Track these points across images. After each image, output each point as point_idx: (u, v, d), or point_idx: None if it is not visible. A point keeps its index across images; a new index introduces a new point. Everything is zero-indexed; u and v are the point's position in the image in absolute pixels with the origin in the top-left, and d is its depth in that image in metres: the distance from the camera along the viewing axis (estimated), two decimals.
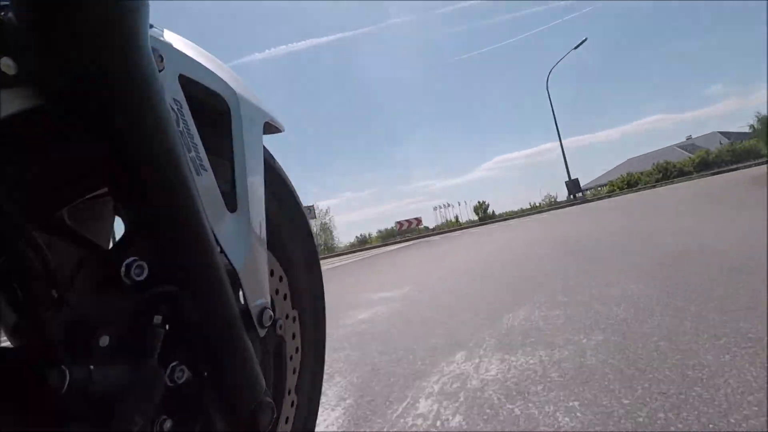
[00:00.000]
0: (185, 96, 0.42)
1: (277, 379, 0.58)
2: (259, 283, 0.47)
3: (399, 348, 1.59)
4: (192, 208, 0.37)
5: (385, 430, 0.96)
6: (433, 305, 2.28)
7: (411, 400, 1.09)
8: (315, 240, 0.69)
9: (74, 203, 0.37)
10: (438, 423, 0.93)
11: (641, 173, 22.24)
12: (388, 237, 24.44)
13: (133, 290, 0.35)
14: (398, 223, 25.28)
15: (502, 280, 2.65)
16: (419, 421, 0.96)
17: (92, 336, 0.33)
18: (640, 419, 0.79)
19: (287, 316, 0.61)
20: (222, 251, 0.43)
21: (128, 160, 0.33)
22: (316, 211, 25.00)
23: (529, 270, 2.81)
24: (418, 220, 25.17)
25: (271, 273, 0.58)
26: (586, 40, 21.45)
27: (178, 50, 0.44)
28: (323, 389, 0.85)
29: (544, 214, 14.22)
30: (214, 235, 0.41)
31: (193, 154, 0.42)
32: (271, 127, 0.57)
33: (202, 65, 0.47)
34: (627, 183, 20.34)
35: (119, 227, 0.44)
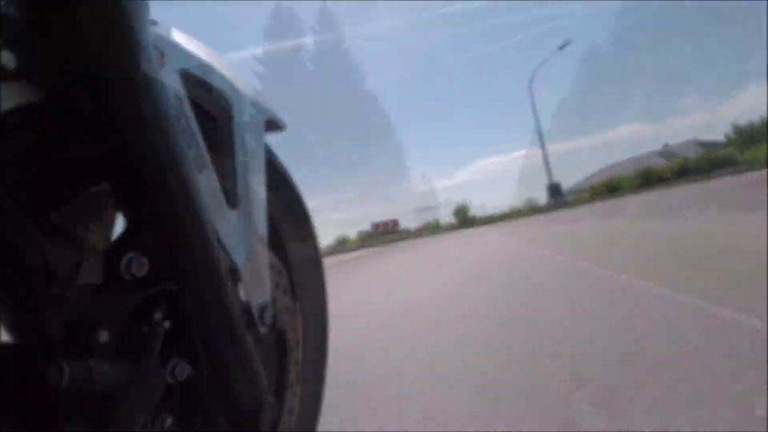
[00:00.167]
0: (186, 92, 0.42)
1: (280, 371, 0.57)
2: (260, 281, 0.47)
3: None
4: (193, 205, 0.37)
5: (384, 429, 0.95)
6: None
7: None
8: (316, 233, 0.68)
9: (74, 199, 0.36)
10: None
11: (622, 178, 22.80)
12: (367, 239, 24.21)
13: (133, 287, 0.35)
14: (374, 224, 25.12)
15: None
16: None
17: (92, 333, 0.33)
18: None
19: (287, 309, 0.60)
20: (223, 248, 0.43)
21: (129, 156, 0.33)
22: None
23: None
24: (395, 222, 25.09)
25: (272, 267, 0.57)
26: (570, 41, 21.93)
27: (179, 46, 0.44)
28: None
29: (521, 220, 14.26)
30: (216, 232, 0.40)
31: (194, 150, 0.41)
32: (273, 125, 0.57)
33: (204, 62, 0.46)
34: (608, 188, 20.80)
35: (119, 226, 0.43)
